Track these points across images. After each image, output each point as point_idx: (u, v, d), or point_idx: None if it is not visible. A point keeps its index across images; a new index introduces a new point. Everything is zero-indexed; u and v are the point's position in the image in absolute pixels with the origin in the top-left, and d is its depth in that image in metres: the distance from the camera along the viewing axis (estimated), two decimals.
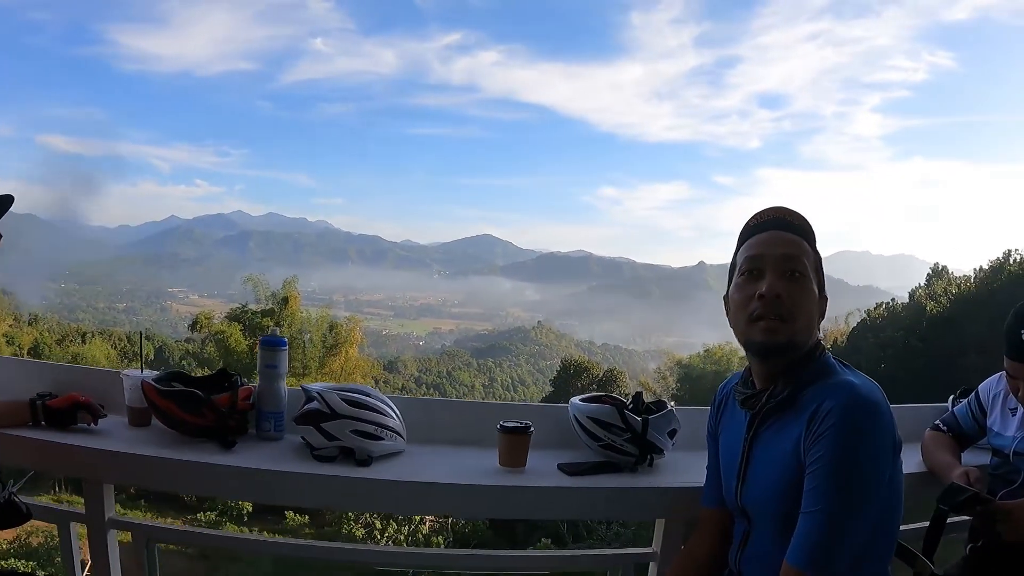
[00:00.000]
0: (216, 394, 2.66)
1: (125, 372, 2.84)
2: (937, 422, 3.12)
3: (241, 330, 37.55)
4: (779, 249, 2.04)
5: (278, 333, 2.81)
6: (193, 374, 2.76)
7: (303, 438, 2.61)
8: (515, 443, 2.60)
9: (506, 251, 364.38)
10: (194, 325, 43.09)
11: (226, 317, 41.47)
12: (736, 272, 2.13)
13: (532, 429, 2.61)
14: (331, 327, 41.01)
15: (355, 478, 2.45)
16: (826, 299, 2.08)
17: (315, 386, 2.62)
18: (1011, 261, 42.61)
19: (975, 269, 44.11)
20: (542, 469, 2.62)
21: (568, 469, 2.62)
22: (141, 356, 3.31)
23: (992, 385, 2.99)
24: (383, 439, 2.59)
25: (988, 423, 2.95)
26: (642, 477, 2.66)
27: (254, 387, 2.78)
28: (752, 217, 2.15)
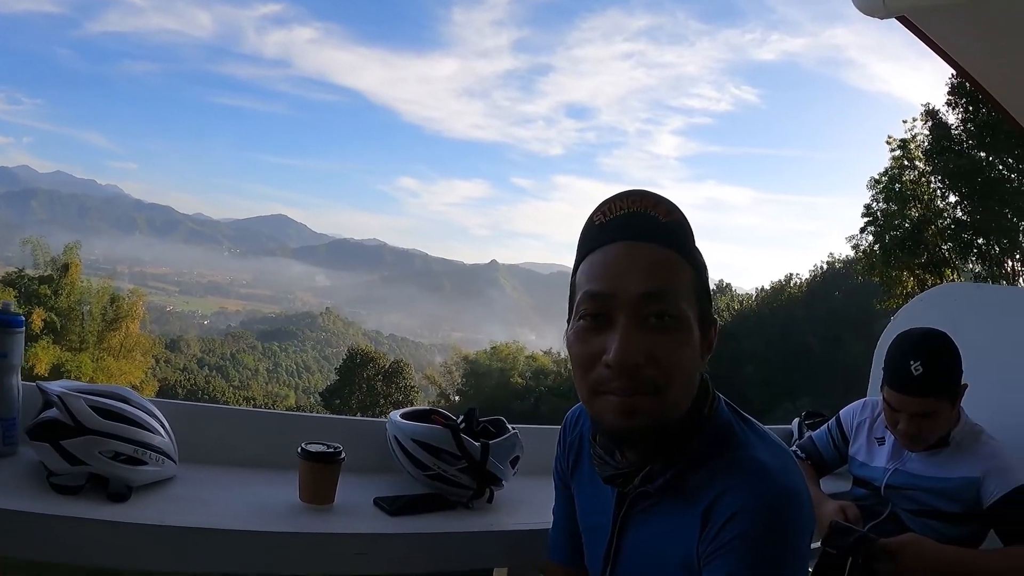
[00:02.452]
0: None
1: None
2: (794, 447, 3.01)
3: (16, 297, 35.82)
4: (635, 284, 1.37)
5: (12, 308, 2.08)
6: None
7: (39, 457, 1.91)
8: (322, 473, 2.00)
9: (300, 233, 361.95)
10: None
11: (0, 281, 39.45)
12: (574, 309, 1.46)
13: (344, 455, 2.03)
14: (113, 300, 39.97)
15: (102, 521, 1.74)
16: (715, 324, 1.46)
17: (55, 386, 1.91)
18: (792, 284, 45.08)
19: (757, 289, 46.40)
20: (354, 505, 2.05)
21: (388, 506, 2.06)
22: None
23: (856, 412, 2.88)
24: (146, 463, 1.92)
25: (851, 452, 2.84)
26: (480, 516, 2.15)
27: None
28: (597, 210, 1.50)
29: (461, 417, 2.27)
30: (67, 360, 35.68)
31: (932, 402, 2.40)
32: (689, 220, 1.46)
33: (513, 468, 2.27)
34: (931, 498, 2.55)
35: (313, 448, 2.00)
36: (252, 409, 2.52)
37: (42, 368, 33.57)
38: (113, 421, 1.89)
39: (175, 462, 2.04)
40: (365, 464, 2.27)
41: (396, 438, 2.21)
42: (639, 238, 1.40)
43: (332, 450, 2.01)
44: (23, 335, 2.05)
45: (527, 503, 2.27)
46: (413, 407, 2.46)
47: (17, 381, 2.03)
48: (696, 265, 1.43)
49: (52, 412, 1.86)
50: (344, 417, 2.57)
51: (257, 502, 1.98)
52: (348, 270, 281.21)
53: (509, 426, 2.31)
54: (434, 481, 2.17)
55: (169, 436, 2.03)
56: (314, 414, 3.33)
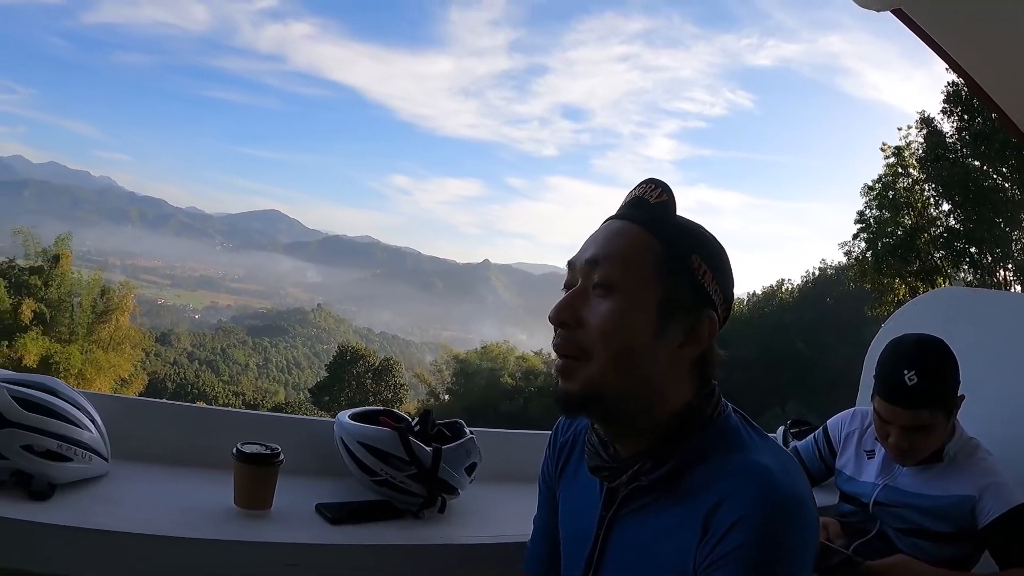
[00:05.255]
0: None
1: None
2: None
3: (6, 287, 35.80)
4: (585, 252, 1.41)
5: None
6: None
7: None
8: (257, 476, 1.88)
9: (291, 229, 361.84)
10: None
11: None
12: None
13: (282, 457, 1.90)
14: (103, 292, 39.98)
15: (20, 520, 1.62)
16: (700, 313, 1.37)
17: None
18: (783, 289, 45.17)
19: (748, 294, 46.57)
20: (294, 511, 1.92)
21: (331, 514, 1.92)
22: None
23: (844, 423, 2.71)
24: (72, 460, 1.81)
25: (838, 465, 2.68)
26: (431, 527, 2.02)
27: None
28: None
29: (416, 419, 2.15)
30: (56, 352, 35.59)
31: (926, 415, 2.26)
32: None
33: (469, 476, 2.15)
34: (922, 516, 2.41)
35: (249, 449, 1.88)
36: (192, 405, 2.41)
37: (31, 360, 33.48)
38: (38, 414, 1.78)
39: (106, 460, 1.93)
40: (309, 467, 2.16)
41: (343, 440, 2.10)
42: (619, 215, 1.43)
43: (269, 451, 1.90)
44: None
45: (483, 514, 2.16)
46: (364, 407, 2.32)
47: None
48: (671, 243, 1.37)
49: None
50: (290, 416, 2.45)
51: (189, 505, 1.86)
52: (340, 267, 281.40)
53: (467, 430, 2.20)
54: (382, 488, 2.06)
55: (100, 432, 1.92)
56: (256, 412, 3.19)
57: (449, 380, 48.60)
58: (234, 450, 1.87)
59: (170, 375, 64.79)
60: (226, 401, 53.95)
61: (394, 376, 48.81)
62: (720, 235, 1.42)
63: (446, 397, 46.63)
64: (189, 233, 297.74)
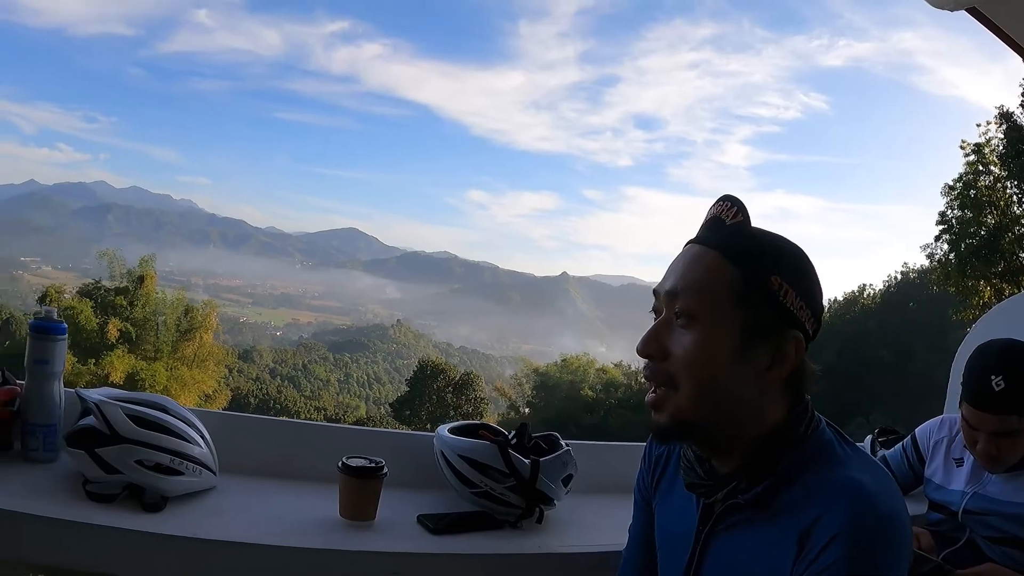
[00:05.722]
0: None
1: None
2: None
3: (92, 307, 36.71)
4: (667, 283, 1.43)
5: (55, 316, 2.07)
6: None
7: (76, 465, 1.91)
8: (363, 489, 1.94)
9: (370, 247, 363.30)
10: (43, 299, 41.66)
11: (78, 292, 40.59)
12: None
13: (386, 470, 1.97)
14: (187, 311, 40.62)
15: (135, 531, 1.71)
16: (796, 340, 1.37)
17: (93, 393, 1.90)
18: (865, 295, 44.21)
19: (829, 300, 45.78)
20: (397, 522, 1.98)
21: (432, 524, 1.98)
22: None
23: (932, 431, 2.70)
24: (183, 473, 1.90)
25: (927, 474, 2.66)
26: (529, 537, 2.05)
27: (19, 388, 2.05)
28: None
29: (513, 433, 2.20)
30: (142, 369, 36.27)
31: (1014, 420, 2.25)
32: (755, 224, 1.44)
33: (566, 487, 2.18)
34: (1012, 524, 2.36)
35: (354, 462, 1.95)
36: (295, 420, 2.47)
37: (117, 376, 34.15)
38: (150, 430, 1.88)
39: (214, 473, 2.02)
40: (410, 480, 2.20)
41: (443, 453, 2.15)
42: (697, 240, 1.44)
43: (374, 465, 1.96)
44: (65, 343, 2.04)
45: (583, 525, 2.18)
46: (463, 421, 2.37)
47: (59, 388, 2.04)
48: (749, 268, 1.37)
49: (89, 420, 1.86)
50: (389, 430, 2.51)
51: (296, 517, 1.93)
52: (418, 282, 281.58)
53: (563, 442, 2.23)
54: (481, 499, 2.11)
55: (208, 447, 2.01)
56: (357, 427, 3.26)
57: (529, 393, 48.36)
58: (340, 463, 1.94)
59: (252, 391, 65.44)
60: (308, 416, 54.30)
61: (474, 390, 48.69)
62: (799, 242, 1.43)
63: (526, 410, 46.44)
64: (269, 252, 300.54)
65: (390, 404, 59.08)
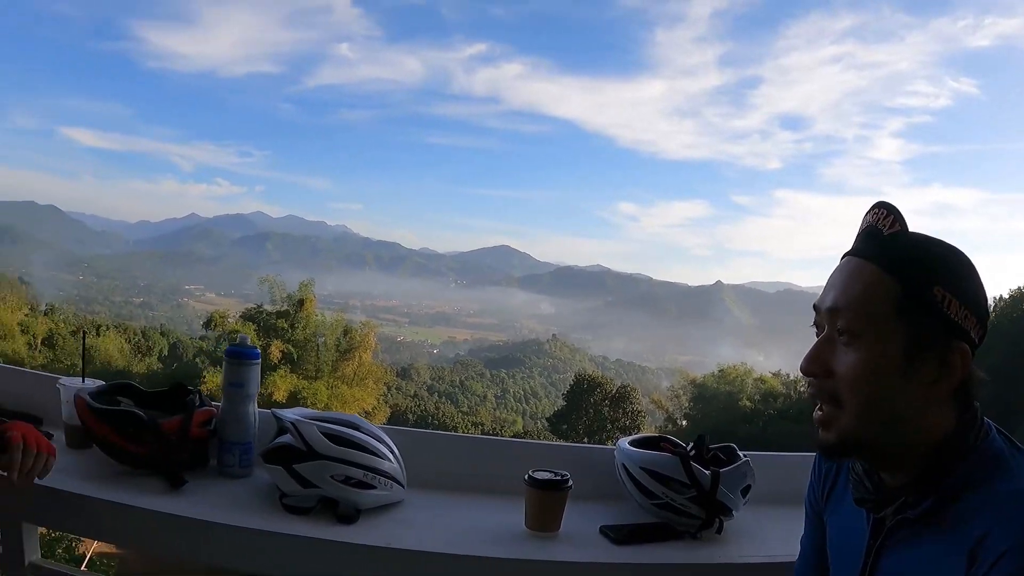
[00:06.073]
0: (168, 415, 2.09)
1: (63, 380, 2.31)
2: None
3: (255, 330, 37.66)
4: (827, 299, 1.40)
5: (249, 342, 2.19)
6: (204, 375, 2.16)
7: (273, 479, 2.04)
8: (548, 501, 1.98)
9: (523, 263, 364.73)
10: (208, 323, 43.32)
11: (241, 317, 41.86)
12: None
13: (571, 483, 2.00)
14: (346, 331, 41.31)
15: (331, 541, 1.83)
16: (962, 351, 1.31)
17: (289, 413, 2.03)
18: None
19: (993, 298, 44.06)
20: (580, 533, 2.02)
21: (615, 535, 2.01)
22: (84, 361, 2.66)
23: None
24: (375, 487, 1.99)
25: None
26: (709, 547, 2.06)
27: (216, 409, 2.19)
28: None
29: (691, 444, 2.21)
30: (304, 388, 37.06)
31: None
32: (915, 231, 1.39)
33: (744, 498, 2.17)
34: None
35: (541, 475, 1.99)
36: (479, 436, 2.53)
37: (280, 395, 35.02)
38: (344, 447, 1.98)
39: (403, 487, 2.10)
40: (591, 491, 2.21)
41: (624, 465, 2.18)
42: (854, 252, 1.41)
43: (559, 478, 1.99)
44: (259, 367, 2.17)
45: (758, 535, 2.17)
46: (642, 434, 2.39)
47: (253, 409, 2.17)
48: (910, 281, 1.33)
49: (286, 438, 1.97)
50: (571, 444, 2.55)
51: (483, 528, 1.99)
52: (572, 297, 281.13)
53: (740, 453, 2.22)
54: (661, 510, 2.12)
55: (398, 462, 2.09)
56: (541, 441, 3.31)
57: (687, 405, 47.75)
58: (527, 476, 1.98)
59: (411, 407, 66.25)
60: (465, 431, 54.77)
61: (631, 403, 48.28)
62: (959, 237, 1.38)
63: (684, 423, 45.88)
64: (423, 273, 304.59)
65: (547, 418, 59.08)
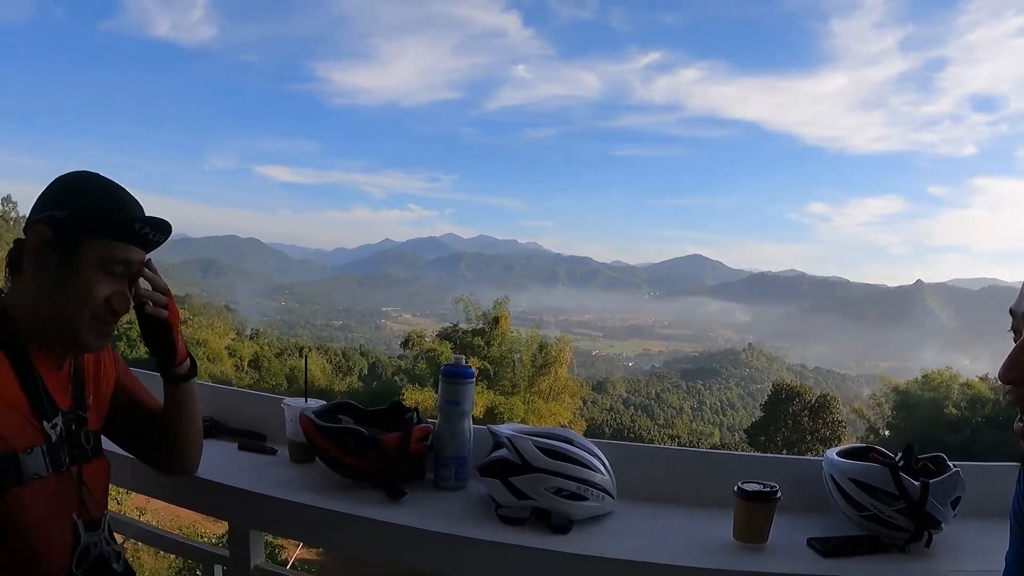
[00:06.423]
0: (387, 432, 2.24)
1: (287, 401, 2.52)
2: None
3: (452, 348, 38.25)
4: (1023, 299, 1.32)
5: (463, 362, 2.31)
6: (403, 392, 2.32)
7: (489, 492, 2.14)
8: (756, 512, 2.00)
9: (715, 271, 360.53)
10: (406, 343, 44.51)
11: (437, 336, 42.72)
12: None
13: (779, 494, 2.01)
14: (541, 347, 41.55)
15: (545, 550, 1.91)
16: None
17: (505, 429, 2.14)
18: None
19: None
20: (787, 545, 2.02)
21: (822, 548, 2.00)
22: (305, 383, 2.86)
23: None
24: (587, 499, 2.06)
25: None
26: (918, 561, 2.02)
27: (432, 425, 2.33)
28: None
29: (899, 454, 2.18)
30: (500, 403, 37.45)
31: None
32: None
33: (953, 510, 2.11)
34: None
35: (749, 487, 2.01)
36: (686, 448, 2.55)
37: (478, 410, 35.52)
38: (558, 460, 2.06)
39: (614, 498, 2.15)
40: (798, 503, 2.20)
41: (832, 476, 2.16)
42: None
43: (768, 489, 2.01)
44: (472, 385, 2.30)
45: (968, 548, 2.12)
46: (849, 444, 2.39)
47: (468, 425, 2.29)
48: None
49: (502, 452, 2.07)
50: (777, 456, 2.55)
51: (691, 539, 2.02)
52: (767, 304, 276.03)
53: (950, 464, 2.18)
54: (869, 522, 2.09)
55: (609, 474, 2.15)
56: (747, 453, 3.31)
57: (889, 414, 46.31)
58: (736, 488, 2.01)
59: (607, 421, 66.17)
60: (662, 443, 54.42)
61: (831, 413, 47.04)
62: None
63: (886, 432, 44.44)
64: (616, 286, 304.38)
65: (744, 430, 58.27)
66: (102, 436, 1.94)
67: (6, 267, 1.76)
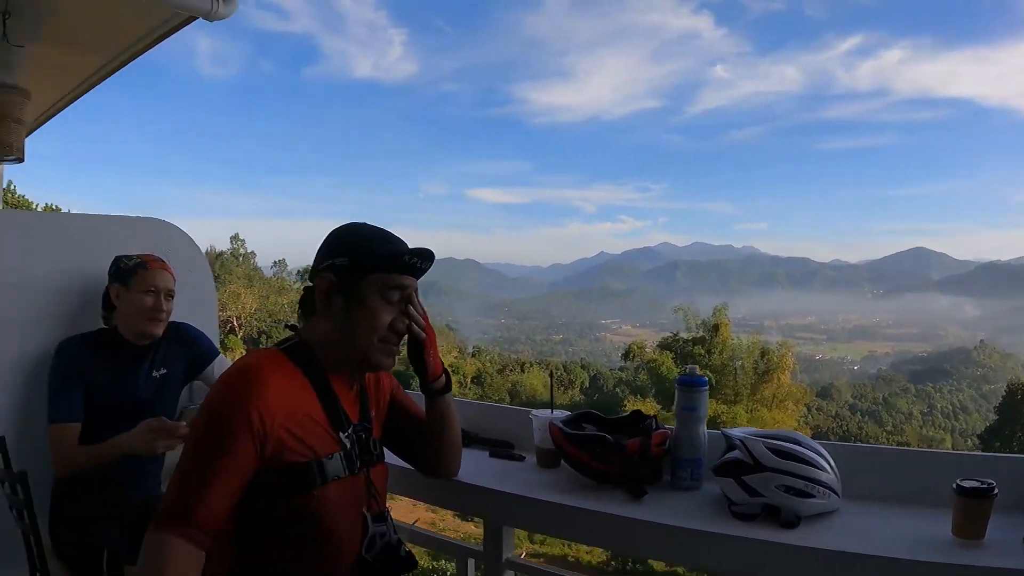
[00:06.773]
0: (627, 438, 2.49)
1: (534, 412, 2.83)
2: None
3: (672, 358, 38.35)
4: None
5: (697, 371, 2.55)
6: (625, 404, 2.56)
7: (722, 490, 2.34)
8: (973, 509, 2.08)
9: (941, 264, 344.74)
10: (627, 354, 44.85)
11: (657, 346, 42.68)
12: None
13: (996, 491, 2.09)
14: (762, 353, 41.16)
15: (777, 543, 2.09)
16: None
17: (737, 432, 2.33)
18: None
19: None
20: (1004, 541, 2.07)
21: None
22: (552, 396, 3.14)
23: None
24: (814, 496, 2.22)
25: None
26: None
27: (670, 431, 2.56)
28: None
29: None
30: (723, 412, 37.21)
31: None
32: None
33: None
34: None
35: (968, 484, 2.09)
36: (907, 448, 2.64)
37: None
38: (787, 460, 2.24)
39: (838, 496, 2.30)
40: (1014, 502, 2.25)
41: None
42: None
43: (986, 486, 2.08)
44: (707, 392, 2.54)
45: None
46: None
47: (703, 429, 2.52)
48: None
49: (735, 453, 2.28)
50: (998, 454, 2.58)
51: (910, 534, 2.12)
52: (1000, 296, 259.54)
53: None
54: None
55: (835, 473, 2.30)
56: (967, 452, 3.35)
57: None
58: (955, 485, 2.09)
59: (832, 428, 64.67)
60: None
61: None
62: None
63: None
64: (836, 286, 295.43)
65: (977, 435, 55.81)
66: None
67: (299, 309, 2.18)
